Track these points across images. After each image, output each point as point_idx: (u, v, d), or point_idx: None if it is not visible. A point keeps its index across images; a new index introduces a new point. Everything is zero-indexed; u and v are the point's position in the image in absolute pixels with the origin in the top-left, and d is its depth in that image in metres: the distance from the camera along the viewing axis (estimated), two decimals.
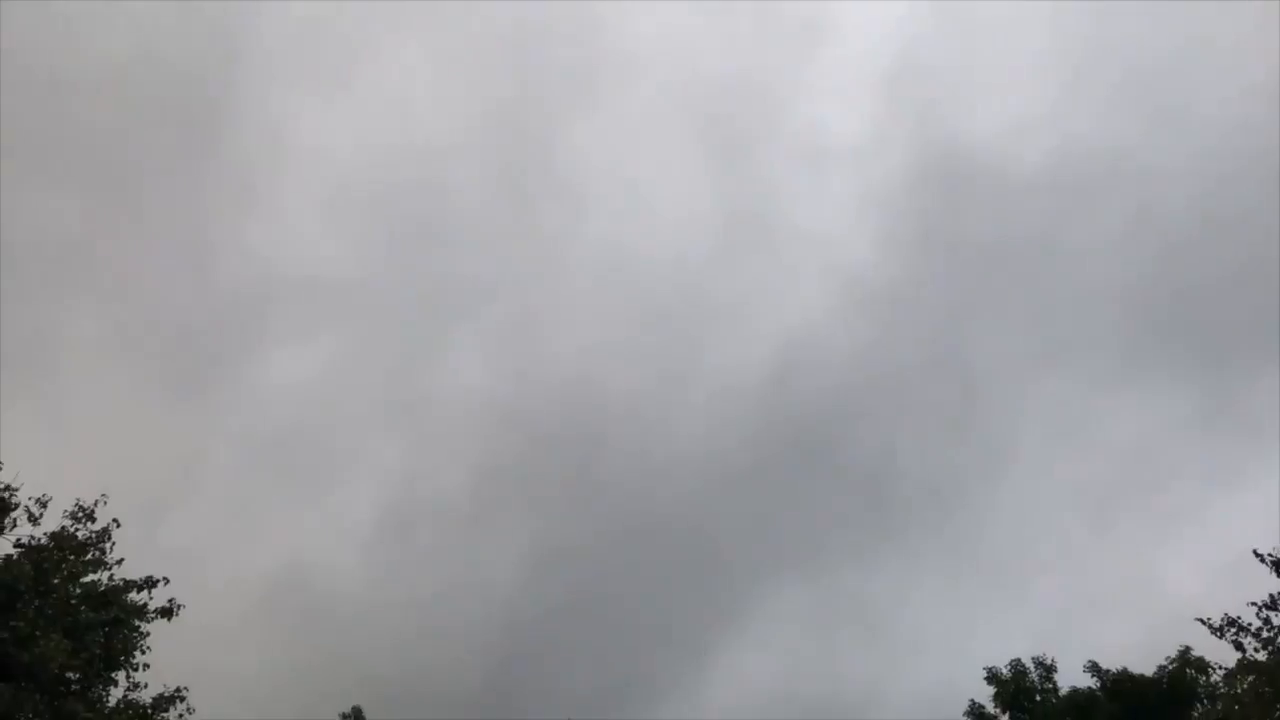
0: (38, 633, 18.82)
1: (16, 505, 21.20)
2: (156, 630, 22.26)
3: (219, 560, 38.67)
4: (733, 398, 57.82)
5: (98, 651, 20.30)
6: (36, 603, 19.27)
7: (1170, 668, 29.17)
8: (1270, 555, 20.71)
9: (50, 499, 21.57)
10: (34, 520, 21.25)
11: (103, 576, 21.63)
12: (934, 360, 58.97)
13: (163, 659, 22.07)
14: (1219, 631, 20.90)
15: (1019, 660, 31.85)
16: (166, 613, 22.36)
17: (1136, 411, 53.33)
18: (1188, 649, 28.93)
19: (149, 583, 22.21)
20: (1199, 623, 21.11)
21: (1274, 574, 20.53)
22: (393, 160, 56.90)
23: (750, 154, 61.08)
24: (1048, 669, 31.76)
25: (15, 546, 20.48)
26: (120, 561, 22.39)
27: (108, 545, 22.14)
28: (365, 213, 56.98)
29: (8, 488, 20.93)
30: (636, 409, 57.06)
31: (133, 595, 21.93)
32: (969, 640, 46.58)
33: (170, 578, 22.32)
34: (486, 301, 58.05)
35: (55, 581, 21.09)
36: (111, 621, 20.89)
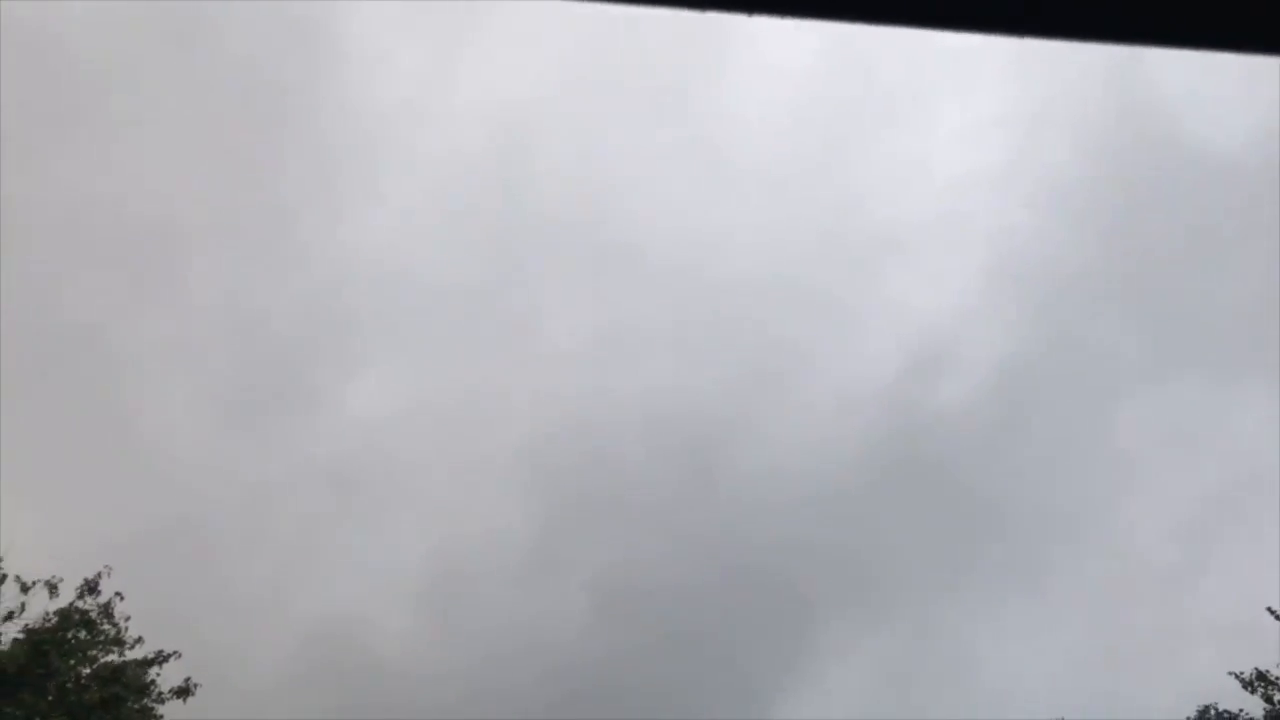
0: (36, 718, 19.00)
1: (30, 586, 21.62)
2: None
3: (265, 609, 38.66)
4: (839, 412, 54.90)
5: None
6: (28, 689, 19.44)
7: None
8: None
9: (61, 580, 21.93)
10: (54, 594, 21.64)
11: (113, 657, 21.83)
12: (1067, 357, 54.93)
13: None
14: (1250, 686, 18.87)
15: None
16: (182, 693, 22.47)
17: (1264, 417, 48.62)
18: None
19: (160, 658, 22.34)
20: (1231, 676, 19.07)
21: None
22: (489, 154, 55.61)
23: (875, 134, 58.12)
24: None
25: (20, 632, 20.75)
26: (139, 641, 22.64)
27: (123, 623, 22.41)
28: (458, 214, 55.94)
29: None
30: (728, 431, 54.88)
31: (146, 671, 22.07)
32: (1059, 686, 43.53)
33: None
34: (573, 310, 56.55)
35: (71, 663, 21.40)
36: (113, 699, 20.96)
